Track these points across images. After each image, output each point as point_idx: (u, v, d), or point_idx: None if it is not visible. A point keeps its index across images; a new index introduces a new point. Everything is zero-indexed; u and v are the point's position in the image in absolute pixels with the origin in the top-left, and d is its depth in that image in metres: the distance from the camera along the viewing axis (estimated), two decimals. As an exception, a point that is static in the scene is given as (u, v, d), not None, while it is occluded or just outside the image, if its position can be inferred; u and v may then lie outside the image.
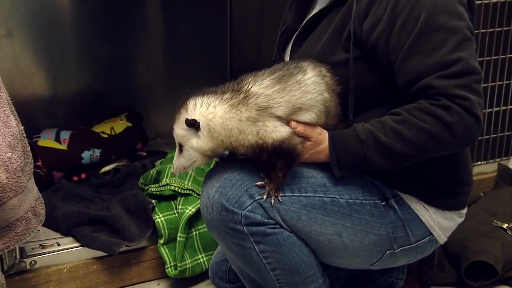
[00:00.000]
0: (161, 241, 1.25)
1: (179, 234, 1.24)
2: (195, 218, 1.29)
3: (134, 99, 1.78)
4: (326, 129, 0.88)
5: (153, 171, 1.43)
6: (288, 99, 0.83)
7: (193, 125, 0.79)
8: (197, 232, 1.28)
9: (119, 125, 1.62)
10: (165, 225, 1.25)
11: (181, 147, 0.82)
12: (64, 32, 1.63)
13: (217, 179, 0.86)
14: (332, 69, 0.88)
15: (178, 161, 0.83)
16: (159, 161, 1.58)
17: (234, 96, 0.81)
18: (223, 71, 1.88)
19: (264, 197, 0.84)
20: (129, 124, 1.63)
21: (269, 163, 0.83)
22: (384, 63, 0.85)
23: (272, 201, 0.84)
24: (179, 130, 0.81)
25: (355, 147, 0.84)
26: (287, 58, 1.00)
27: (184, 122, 0.79)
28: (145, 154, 1.69)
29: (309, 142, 0.85)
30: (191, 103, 0.81)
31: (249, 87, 0.82)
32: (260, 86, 0.83)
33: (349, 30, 0.86)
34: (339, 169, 0.86)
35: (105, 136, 1.58)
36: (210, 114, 0.80)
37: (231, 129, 0.80)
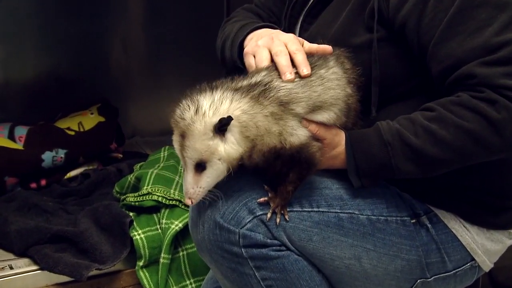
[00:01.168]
0: (140, 263, 1.24)
1: (162, 255, 1.24)
2: (183, 235, 1.29)
3: (108, 88, 1.73)
4: (344, 130, 0.87)
5: (131, 177, 1.42)
6: (309, 95, 0.81)
7: (224, 125, 0.74)
8: (184, 252, 1.28)
9: (89, 120, 1.59)
10: (145, 243, 1.25)
11: (200, 165, 0.77)
12: (20, 5, 1.56)
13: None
14: (352, 56, 0.86)
15: (200, 184, 0.77)
16: (139, 164, 1.57)
17: (252, 89, 0.79)
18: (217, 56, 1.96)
19: (268, 215, 0.82)
20: (102, 119, 1.60)
21: (280, 173, 0.82)
22: (415, 46, 0.83)
23: (278, 219, 0.82)
24: (201, 143, 0.75)
25: (378, 150, 0.82)
26: None
27: (211, 127, 0.74)
28: (120, 156, 1.67)
29: (321, 145, 0.85)
30: (204, 102, 0.77)
31: (267, 79, 0.80)
32: (275, 78, 0.80)
33: (373, 6, 0.83)
34: (358, 178, 0.84)
35: (72, 133, 1.55)
36: (237, 110, 0.77)
37: (260, 127, 0.78)
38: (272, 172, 0.84)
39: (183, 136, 0.77)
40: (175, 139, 0.79)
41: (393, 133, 0.82)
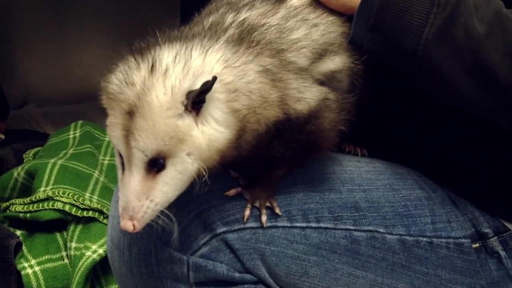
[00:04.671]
0: (34, 317, 1.15)
1: (71, 302, 1.16)
2: (104, 267, 1.26)
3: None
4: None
5: (18, 172, 1.41)
6: (307, 35, 0.86)
7: (205, 92, 0.72)
8: (107, 294, 1.20)
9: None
10: (41, 281, 1.23)
11: (156, 162, 0.75)
12: None
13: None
14: None
15: (153, 196, 0.76)
16: (33, 150, 1.56)
17: (223, 31, 0.81)
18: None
19: (246, 212, 0.85)
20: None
21: (272, 159, 0.85)
22: None
23: (263, 218, 0.86)
24: (163, 124, 0.73)
25: (417, 3, 0.85)
26: None
27: (182, 96, 0.72)
28: (2, 137, 1.72)
29: None
30: (164, 54, 0.76)
31: (239, 13, 0.83)
32: (255, 11, 0.85)
33: None
34: (366, 25, 0.87)
35: None
36: (217, 63, 0.77)
37: (253, 93, 0.77)
38: (261, 161, 0.85)
39: (130, 114, 0.74)
40: (115, 121, 0.75)
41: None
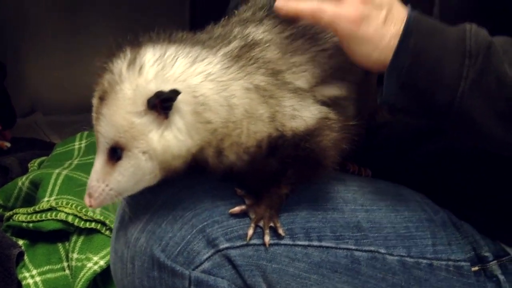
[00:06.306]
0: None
1: (72, 313, 1.18)
2: (105, 278, 1.27)
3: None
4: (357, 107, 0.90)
5: (23, 181, 1.45)
6: (311, 57, 0.86)
7: (165, 102, 0.76)
8: (109, 308, 1.22)
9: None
10: None
11: (115, 151, 0.79)
12: None
13: (145, 206, 0.87)
14: None
15: (107, 180, 0.80)
16: (37, 160, 1.60)
17: (226, 43, 0.81)
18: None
19: (249, 232, 0.85)
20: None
21: (273, 176, 0.85)
22: None
23: (266, 239, 0.85)
24: (122, 116, 0.78)
25: (449, 57, 0.83)
26: None
27: (144, 96, 0.76)
28: (8, 145, 1.76)
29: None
30: (148, 54, 0.78)
31: (246, 28, 0.84)
32: (262, 27, 0.86)
33: None
34: (398, 84, 0.83)
35: None
36: (198, 76, 0.78)
37: (235, 107, 0.79)
38: (260, 178, 0.87)
39: (102, 98, 0.79)
40: (94, 102, 0.80)
41: (481, 44, 0.83)
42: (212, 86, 0.79)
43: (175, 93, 0.76)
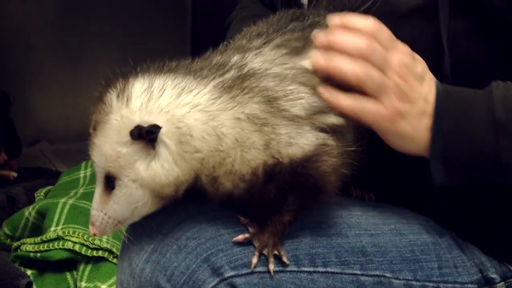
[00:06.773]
0: None
1: None
2: None
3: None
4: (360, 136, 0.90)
5: (29, 211, 1.46)
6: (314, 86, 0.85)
7: (148, 134, 0.77)
8: (115, 336, 1.32)
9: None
10: None
11: (110, 180, 0.80)
12: None
13: (149, 236, 0.87)
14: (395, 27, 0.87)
15: (105, 209, 0.82)
16: (44, 189, 1.60)
17: (220, 74, 0.83)
18: (182, 17, 1.97)
19: (253, 260, 0.85)
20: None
21: (273, 202, 0.85)
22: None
23: (270, 267, 0.85)
24: (109, 146, 0.80)
25: (481, 131, 0.85)
26: None
27: (128, 127, 0.78)
28: (14, 175, 1.76)
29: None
30: (136, 87, 0.80)
31: (244, 58, 0.85)
32: (261, 57, 0.86)
33: None
34: (445, 170, 0.87)
35: None
36: (184, 107, 0.79)
37: (224, 137, 0.80)
38: (260, 205, 0.87)
39: (95, 128, 0.81)
40: (90, 131, 0.82)
41: (510, 108, 0.85)
42: (199, 116, 0.81)
43: (154, 127, 0.78)
